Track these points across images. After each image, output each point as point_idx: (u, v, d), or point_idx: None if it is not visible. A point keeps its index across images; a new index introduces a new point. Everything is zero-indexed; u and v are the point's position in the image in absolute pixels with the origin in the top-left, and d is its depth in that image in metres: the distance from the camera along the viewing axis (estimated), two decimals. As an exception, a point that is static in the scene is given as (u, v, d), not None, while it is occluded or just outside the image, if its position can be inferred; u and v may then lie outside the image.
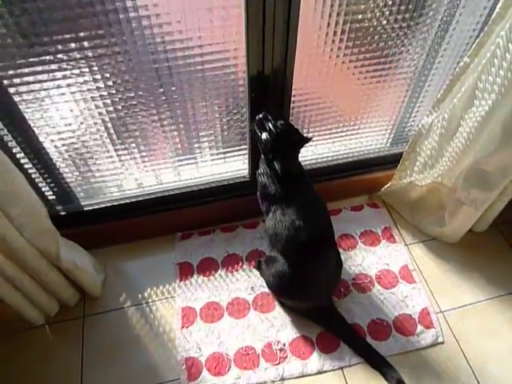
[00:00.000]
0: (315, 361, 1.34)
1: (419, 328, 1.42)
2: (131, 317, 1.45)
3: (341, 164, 1.65)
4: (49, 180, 1.38)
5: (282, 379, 1.32)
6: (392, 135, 1.66)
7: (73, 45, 1.02)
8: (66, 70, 1.07)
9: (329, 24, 1.17)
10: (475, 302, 1.50)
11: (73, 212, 1.49)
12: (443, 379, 1.32)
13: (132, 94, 1.19)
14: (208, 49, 1.13)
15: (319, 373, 1.33)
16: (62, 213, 1.48)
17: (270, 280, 1.36)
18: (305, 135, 1.24)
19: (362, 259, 1.58)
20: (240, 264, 1.57)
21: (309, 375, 1.33)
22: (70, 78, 1.09)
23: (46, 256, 1.23)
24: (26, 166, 1.28)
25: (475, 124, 1.27)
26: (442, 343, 1.40)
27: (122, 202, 1.52)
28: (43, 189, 1.40)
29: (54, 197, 1.44)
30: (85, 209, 1.50)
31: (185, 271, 1.55)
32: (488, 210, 1.52)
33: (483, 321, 1.46)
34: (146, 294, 1.50)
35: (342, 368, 1.34)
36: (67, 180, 1.41)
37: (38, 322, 1.37)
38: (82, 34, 1.01)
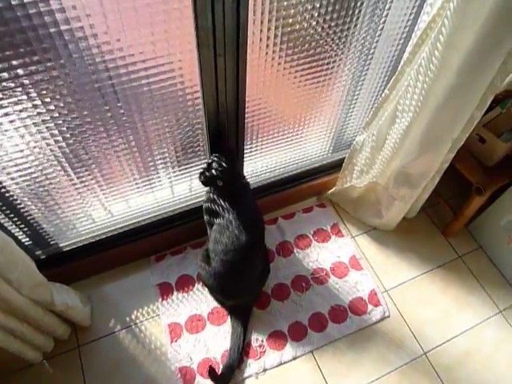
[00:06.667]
0: (289, 349, 1.60)
1: (369, 307, 1.72)
2: (123, 339, 1.61)
3: (291, 175, 1.87)
4: (16, 220, 1.40)
5: (264, 370, 1.56)
6: (332, 144, 1.89)
7: (5, 74, 0.96)
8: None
9: (261, 30, 1.18)
10: (412, 277, 1.82)
11: (52, 254, 1.58)
12: (392, 346, 1.64)
13: (76, 115, 1.15)
14: (151, 63, 1.11)
15: (294, 359, 1.59)
16: (42, 257, 1.57)
17: (206, 277, 1.54)
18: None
19: (317, 255, 1.84)
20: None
21: (286, 362, 1.58)
22: (7, 107, 1.04)
23: (42, 305, 1.34)
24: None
25: (399, 136, 1.53)
26: (389, 317, 1.71)
27: (98, 238, 1.63)
28: (16, 234, 1.46)
29: (29, 241, 1.52)
30: (63, 250, 1.60)
31: (165, 291, 1.72)
32: (415, 201, 1.82)
33: (419, 292, 1.79)
34: (133, 317, 1.66)
35: (311, 351, 1.61)
36: (34, 216, 1.44)
37: (37, 360, 1.48)
38: (15, 62, 0.95)
